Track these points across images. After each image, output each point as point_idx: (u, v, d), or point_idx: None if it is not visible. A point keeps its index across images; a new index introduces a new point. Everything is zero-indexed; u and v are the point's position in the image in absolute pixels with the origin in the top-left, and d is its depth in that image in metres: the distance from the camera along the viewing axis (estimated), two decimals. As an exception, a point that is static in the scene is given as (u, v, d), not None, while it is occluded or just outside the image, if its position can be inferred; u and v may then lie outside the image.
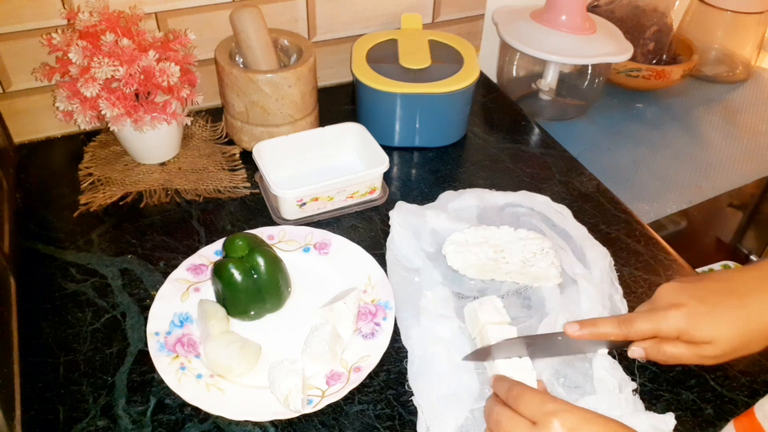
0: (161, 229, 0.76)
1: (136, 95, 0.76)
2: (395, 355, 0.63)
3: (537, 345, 0.57)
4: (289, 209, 0.76)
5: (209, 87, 0.89)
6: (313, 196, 0.75)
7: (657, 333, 0.52)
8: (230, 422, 0.57)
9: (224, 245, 0.64)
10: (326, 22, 0.96)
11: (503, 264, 0.68)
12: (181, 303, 0.66)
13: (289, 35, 0.88)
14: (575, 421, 0.44)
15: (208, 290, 0.67)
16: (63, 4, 0.80)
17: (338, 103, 0.98)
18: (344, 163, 0.84)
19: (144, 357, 0.61)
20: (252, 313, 0.65)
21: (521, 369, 0.56)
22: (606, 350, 0.58)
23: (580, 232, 0.75)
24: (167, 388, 0.58)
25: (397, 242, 0.72)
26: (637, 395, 0.59)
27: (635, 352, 0.54)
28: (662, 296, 0.53)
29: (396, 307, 0.66)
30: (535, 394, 0.47)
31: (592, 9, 1.16)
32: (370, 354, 0.61)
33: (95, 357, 0.62)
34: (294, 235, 0.74)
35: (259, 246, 0.64)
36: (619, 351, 0.62)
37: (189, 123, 0.82)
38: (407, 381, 0.60)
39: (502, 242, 0.70)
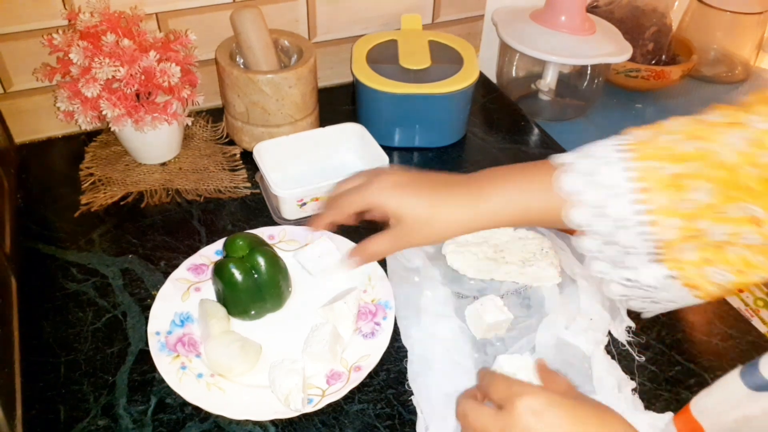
0: (162, 228, 0.76)
1: (137, 95, 0.76)
2: (395, 355, 0.63)
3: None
4: (289, 209, 0.76)
5: (210, 87, 0.89)
6: (314, 196, 0.75)
7: (365, 205, 0.55)
8: (231, 421, 0.57)
9: (225, 245, 0.64)
10: (326, 23, 0.96)
11: (503, 264, 0.68)
12: (181, 302, 0.66)
13: (290, 36, 0.88)
14: (539, 403, 0.43)
15: (209, 290, 0.67)
16: (64, 5, 0.80)
17: (338, 104, 0.99)
18: (344, 163, 0.84)
19: (145, 356, 0.61)
20: (252, 312, 0.65)
21: (524, 366, 0.56)
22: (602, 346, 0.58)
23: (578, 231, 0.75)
24: (168, 387, 0.58)
25: (397, 242, 0.72)
26: (636, 394, 0.59)
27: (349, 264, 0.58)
28: (375, 172, 0.57)
29: (396, 307, 0.66)
30: (503, 379, 0.47)
31: (592, 10, 1.16)
32: (370, 353, 0.61)
33: (96, 356, 0.62)
34: (294, 235, 0.74)
35: (260, 246, 0.64)
36: (618, 351, 0.63)
37: (190, 123, 0.82)
38: (407, 380, 0.60)
39: (501, 242, 0.70)
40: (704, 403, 0.43)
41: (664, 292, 0.49)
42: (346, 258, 0.58)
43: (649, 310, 0.52)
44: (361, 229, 0.64)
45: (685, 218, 0.45)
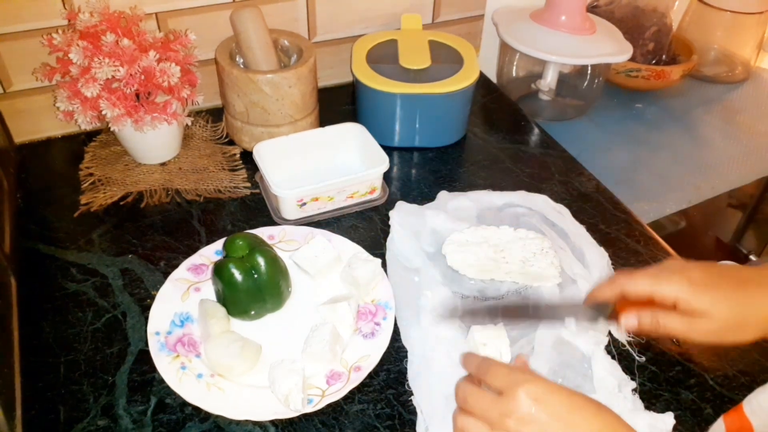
0: (162, 229, 0.76)
1: (137, 95, 0.76)
2: (395, 355, 0.63)
3: (510, 311, 0.57)
4: (289, 209, 0.76)
5: (210, 87, 0.89)
6: (314, 196, 0.75)
7: (654, 294, 0.52)
8: (231, 422, 0.57)
9: (225, 245, 0.64)
10: (326, 23, 0.96)
11: (503, 264, 0.68)
12: (181, 303, 0.66)
13: (290, 35, 0.88)
14: (540, 390, 0.44)
15: (209, 290, 0.67)
16: (63, 5, 0.80)
17: (338, 104, 0.99)
18: (344, 163, 0.84)
19: (144, 357, 0.61)
20: (252, 312, 0.65)
21: (496, 336, 0.56)
22: (574, 323, 0.58)
23: (579, 231, 0.75)
24: (168, 387, 0.58)
25: (397, 242, 0.73)
26: (637, 395, 0.59)
27: (629, 319, 0.54)
28: (668, 264, 0.53)
29: (396, 307, 0.66)
30: (502, 366, 0.48)
31: (592, 9, 1.16)
32: (370, 354, 0.61)
33: (96, 357, 0.62)
34: (294, 235, 0.74)
35: (260, 246, 0.64)
36: (618, 351, 0.63)
37: (189, 123, 0.82)
38: (407, 380, 0.60)
39: (501, 242, 0.70)
40: (757, 401, 0.43)
41: None
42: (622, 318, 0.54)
43: None
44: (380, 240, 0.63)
45: None
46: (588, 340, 0.62)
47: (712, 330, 0.51)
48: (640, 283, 0.52)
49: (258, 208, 0.80)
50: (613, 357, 0.62)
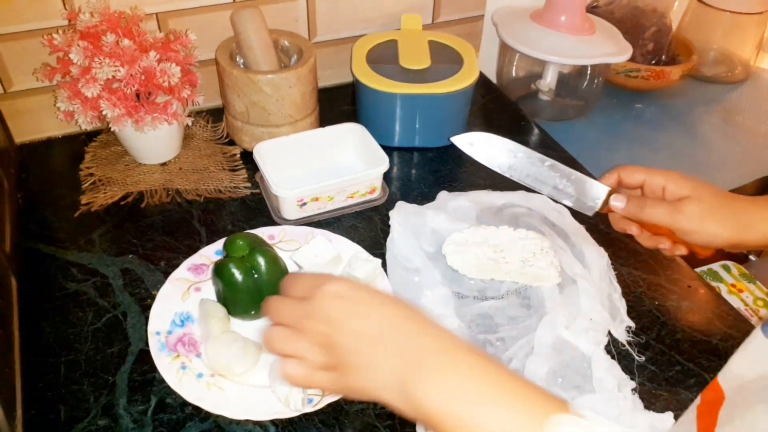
0: (162, 228, 0.76)
1: (137, 96, 0.76)
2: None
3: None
4: (289, 209, 0.76)
5: (210, 87, 0.89)
6: (314, 196, 0.75)
7: (646, 181, 0.59)
8: (231, 421, 0.57)
9: (225, 245, 0.64)
10: (326, 23, 0.96)
11: (503, 264, 0.68)
12: (181, 302, 0.66)
13: (290, 36, 0.88)
14: (342, 288, 0.43)
15: (209, 290, 0.67)
16: (64, 5, 0.80)
17: (338, 104, 0.99)
18: (344, 163, 0.84)
19: (145, 356, 0.61)
20: (253, 312, 0.65)
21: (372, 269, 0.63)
22: (570, 202, 0.62)
23: (578, 231, 0.75)
24: (168, 387, 0.58)
25: (397, 242, 0.73)
26: (636, 394, 0.59)
27: (618, 199, 0.59)
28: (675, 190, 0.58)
29: (396, 307, 0.66)
30: (308, 275, 0.47)
31: (592, 10, 1.16)
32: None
33: (96, 356, 0.62)
34: (294, 235, 0.74)
35: (260, 246, 0.64)
36: (618, 351, 0.63)
37: (190, 123, 0.82)
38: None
39: (501, 242, 0.70)
40: (728, 368, 0.44)
41: None
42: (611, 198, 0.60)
43: None
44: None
45: None
46: (588, 340, 0.62)
47: (694, 214, 0.54)
48: (636, 171, 0.59)
49: (258, 208, 0.80)
50: (612, 357, 0.62)
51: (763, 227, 0.53)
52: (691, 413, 0.46)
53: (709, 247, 0.57)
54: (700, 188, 0.56)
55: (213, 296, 0.66)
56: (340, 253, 0.70)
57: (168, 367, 0.60)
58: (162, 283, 0.67)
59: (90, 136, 0.89)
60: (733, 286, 1.05)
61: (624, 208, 0.59)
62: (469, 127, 0.95)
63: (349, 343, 0.42)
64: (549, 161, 0.60)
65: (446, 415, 0.38)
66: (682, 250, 0.61)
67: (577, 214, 0.78)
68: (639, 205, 0.59)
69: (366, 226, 0.78)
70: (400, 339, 0.41)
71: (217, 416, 0.57)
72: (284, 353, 0.45)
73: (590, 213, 0.62)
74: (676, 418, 0.56)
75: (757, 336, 0.40)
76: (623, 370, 0.61)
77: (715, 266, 1.10)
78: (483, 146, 0.59)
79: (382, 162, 0.78)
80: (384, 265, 0.71)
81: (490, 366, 0.40)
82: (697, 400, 0.48)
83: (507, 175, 0.60)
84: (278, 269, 0.65)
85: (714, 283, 1.05)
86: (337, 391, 0.47)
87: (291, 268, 0.68)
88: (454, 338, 0.42)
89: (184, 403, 0.58)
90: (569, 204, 0.62)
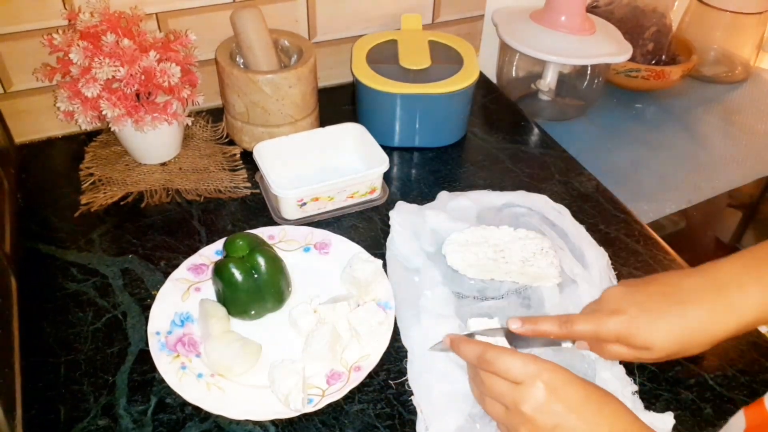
0: (162, 228, 0.76)
1: (137, 95, 0.76)
2: (395, 355, 0.63)
3: (514, 337, 0.57)
4: (289, 209, 0.76)
5: (210, 87, 0.89)
6: (314, 196, 0.75)
7: (597, 336, 0.53)
8: (231, 422, 0.57)
9: (225, 245, 0.64)
10: (326, 23, 0.96)
11: (503, 264, 0.68)
12: (181, 302, 0.66)
13: (290, 36, 0.88)
14: (558, 380, 0.45)
15: (209, 290, 0.67)
16: (64, 5, 0.80)
17: (338, 104, 0.99)
18: (344, 163, 0.84)
19: (145, 356, 0.61)
20: (252, 312, 0.65)
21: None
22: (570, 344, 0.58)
23: (578, 231, 0.75)
24: (168, 387, 0.58)
25: (397, 242, 0.73)
26: (637, 395, 0.59)
27: (581, 345, 0.56)
28: (606, 300, 0.54)
29: (396, 307, 0.66)
30: (515, 354, 0.48)
31: (592, 9, 1.16)
32: (370, 354, 0.61)
33: (96, 356, 0.62)
34: (294, 235, 0.74)
35: (260, 246, 0.64)
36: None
37: (190, 123, 0.82)
38: (407, 380, 0.60)
39: (501, 242, 0.70)
40: None
41: None
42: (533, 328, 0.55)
43: None
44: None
45: None
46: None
47: (659, 358, 0.52)
48: (582, 328, 0.53)
49: (258, 208, 0.80)
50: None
51: (713, 329, 0.50)
52: None
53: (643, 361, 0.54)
54: (658, 334, 0.51)
55: (213, 296, 0.66)
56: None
57: (168, 367, 0.60)
58: (162, 283, 0.67)
59: (90, 136, 0.89)
60: (733, 286, 1.05)
61: (589, 350, 0.56)
62: (469, 127, 0.95)
63: None
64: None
65: None
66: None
67: (577, 215, 0.78)
68: (600, 348, 0.55)
69: (366, 226, 0.78)
70: None
71: (217, 416, 0.57)
72: (497, 422, 0.50)
73: None
74: (676, 418, 0.56)
75: None
76: (623, 370, 0.61)
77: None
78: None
79: (382, 162, 0.78)
80: (384, 265, 0.71)
81: None
82: (741, 422, 0.48)
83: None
84: (278, 269, 0.65)
85: (714, 283, 1.05)
86: None
87: (291, 268, 0.68)
88: None
89: (184, 403, 0.58)
90: None
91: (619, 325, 0.51)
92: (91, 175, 0.83)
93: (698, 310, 0.50)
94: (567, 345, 0.57)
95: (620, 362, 0.61)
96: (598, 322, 0.52)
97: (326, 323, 0.62)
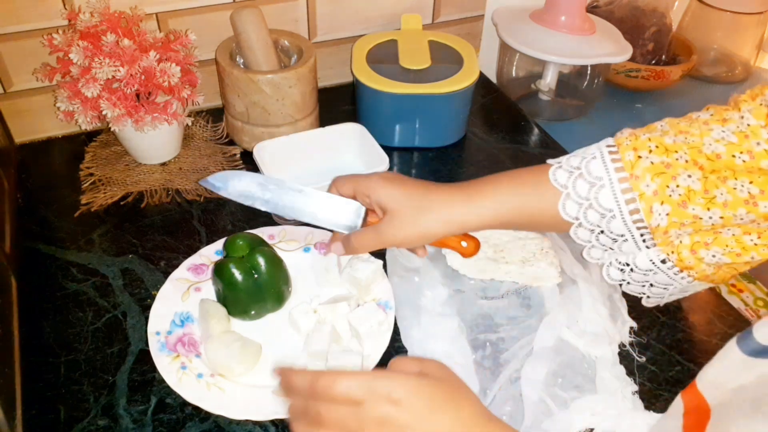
0: (162, 228, 0.76)
1: (137, 95, 0.76)
2: (395, 355, 0.63)
3: None
4: (289, 209, 0.76)
5: (210, 87, 0.89)
6: (314, 196, 0.75)
7: (356, 189, 0.56)
8: (231, 421, 0.57)
9: (225, 245, 0.64)
10: (326, 23, 0.96)
11: (503, 264, 0.68)
12: (181, 302, 0.66)
13: (290, 36, 0.88)
14: (401, 391, 0.41)
15: (209, 290, 0.67)
16: (64, 5, 0.80)
17: (338, 104, 0.99)
18: (344, 163, 0.84)
19: (145, 356, 0.61)
20: (252, 312, 0.65)
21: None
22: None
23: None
24: (168, 387, 0.58)
25: (397, 242, 0.72)
26: (637, 395, 0.59)
27: (335, 245, 0.58)
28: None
29: (396, 307, 0.66)
30: (351, 374, 0.43)
31: (592, 10, 1.16)
32: (370, 354, 0.61)
33: (96, 356, 0.62)
34: (294, 234, 0.74)
35: (260, 246, 0.64)
36: (618, 352, 0.63)
37: (190, 123, 0.82)
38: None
39: (501, 242, 0.70)
40: (707, 375, 0.44)
41: (660, 275, 0.52)
42: (328, 244, 0.59)
43: (651, 297, 0.55)
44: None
45: (675, 205, 0.48)
46: (588, 341, 0.62)
47: (390, 226, 0.54)
48: (346, 183, 0.57)
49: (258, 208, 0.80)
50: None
51: (458, 218, 0.54)
52: (676, 420, 0.46)
53: (427, 243, 0.57)
54: (397, 197, 0.54)
55: (213, 296, 0.66)
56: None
57: (168, 367, 0.60)
58: (162, 283, 0.67)
59: (90, 136, 0.89)
60: (733, 286, 1.05)
61: (342, 247, 0.57)
62: (469, 127, 0.95)
63: None
64: (303, 189, 0.58)
65: None
66: (422, 252, 0.59)
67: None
68: (345, 241, 0.57)
69: (366, 226, 0.78)
70: None
71: (217, 416, 0.57)
72: None
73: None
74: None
75: (731, 347, 0.40)
76: (623, 370, 0.61)
77: (715, 266, 1.10)
78: (234, 184, 0.57)
79: (382, 162, 0.78)
80: (384, 265, 0.71)
81: None
82: (680, 406, 0.48)
83: (264, 209, 0.58)
84: (278, 269, 0.65)
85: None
86: None
87: (291, 267, 0.68)
88: None
89: (184, 403, 0.58)
90: (330, 228, 0.58)
91: (374, 181, 0.55)
92: (91, 175, 0.83)
93: (435, 188, 0.55)
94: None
95: (620, 362, 0.61)
96: (358, 181, 0.56)
97: (326, 323, 0.62)
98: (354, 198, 0.57)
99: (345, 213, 0.57)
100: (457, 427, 0.42)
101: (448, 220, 0.54)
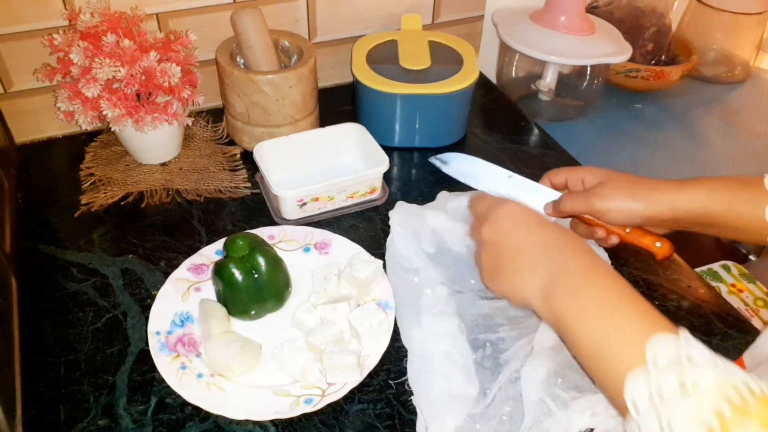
0: (162, 229, 0.76)
1: (138, 96, 0.76)
2: (395, 355, 0.63)
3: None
4: (289, 209, 0.76)
5: (210, 88, 0.89)
6: (314, 196, 0.75)
7: (568, 176, 0.64)
8: (231, 421, 0.57)
9: (225, 245, 0.64)
10: (326, 23, 0.96)
11: None
12: (181, 302, 0.66)
13: (290, 36, 0.88)
14: (515, 209, 0.55)
15: (209, 290, 0.67)
16: (64, 5, 0.80)
17: (338, 104, 0.99)
18: (344, 163, 0.84)
19: (145, 356, 0.61)
20: (252, 312, 0.65)
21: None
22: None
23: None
24: (168, 387, 0.58)
25: (396, 242, 0.73)
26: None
27: (547, 206, 0.64)
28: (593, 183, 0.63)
29: (396, 307, 0.66)
30: (484, 195, 0.62)
31: (591, 10, 1.16)
32: (370, 354, 0.61)
33: (96, 356, 0.62)
34: (294, 234, 0.74)
35: (260, 246, 0.64)
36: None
37: (190, 123, 0.82)
38: (407, 380, 0.60)
39: None
40: (754, 346, 0.49)
41: None
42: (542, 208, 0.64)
43: None
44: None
45: None
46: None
47: (606, 194, 0.59)
48: (559, 172, 0.64)
49: (258, 208, 0.80)
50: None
51: (669, 199, 0.58)
52: None
53: (627, 224, 0.61)
54: (612, 174, 0.61)
55: (213, 296, 0.66)
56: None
57: (168, 367, 0.60)
58: (162, 283, 0.67)
59: (90, 136, 0.89)
60: (733, 286, 1.05)
61: (552, 211, 0.63)
62: (469, 127, 0.95)
63: (511, 250, 0.53)
64: (512, 174, 0.67)
65: (575, 318, 0.47)
66: (614, 239, 0.63)
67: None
68: (560, 203, 0.62)
69: (366, 226, 0.78)
70: (554, 256, 0.51)
71: (217, 416, 0.57)
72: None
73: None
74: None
75: None
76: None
77: (715, 266, 1.10)
78: (457, 163, 0.69)
79: (382, 162, 0.78)
80: (384, 265, 0.71)
81: (623, 289, 0.47)
82: None
83: (475, 187, 0.68)
84: (278, 269, 0.65)
85: (714, 283, 1.05)
86: (493, 285, 0.56)
87: (291, 267, 0.68)
88: (598, 263, 0.50)
89: (184, 403, 0.58)
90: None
91: (587, 169, 0.63)
92: (92, 175, 0.83)
93: (653, 180, 0.60)
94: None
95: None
96: (573, 168, 0.64)
97: (334, 323, 0.62)
98: (565, 186, 0.64)
99: (545, 198, 0.64)
100: (553, 239, 0.53)
101: (658, 199, 0.58)
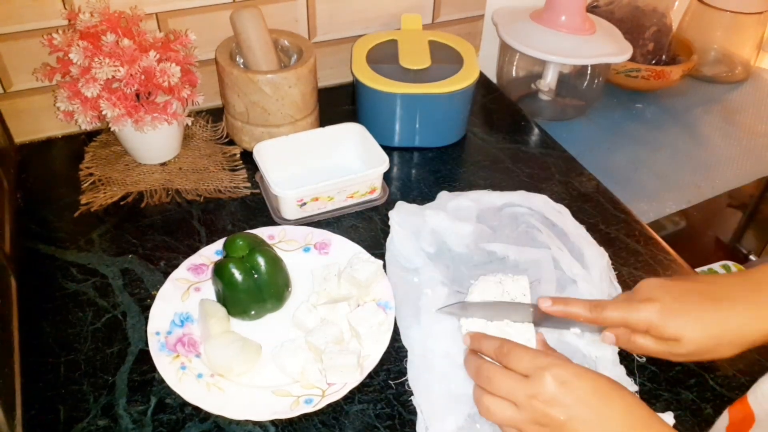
0: (162, 228, 0.76)
1: (137, 95, 0.76)
2: (395, 355, 0.63)
3: (514, 310, 0.58)
4: (289, 209, 0.76)
5: (210, 87, 0.89)
6: (314, 196, 0.75)
7: (626, 323, 0.53)
8: (230, 422, 0.57)
9: (225, 245, 0.64)
10: (326, 23, 0.96)
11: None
12: (181, 303, 0.66)
13: (290, 36, 0.88)
14: (567, 374, 0.46)
15: (209, 290, 0.67)
16: (64, 5, 0.80)
17: (338, 104, 0.99)
18: (344, 163, 0.84)
19: (145, 356, 0.61)
20: (252, 312, 0.65)
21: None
22: (578, 330, 0.59)
23: (578, 231, 0.75)
24: (168, 387, 0.58)
25: (396, 242, 0.73)
26: (637, 395, 0.59)
27: (607, 337, 0.56)
28: (641, 289, 0.54)
29: (396, 307, 0.66)
30: (526, 349, 0.49)
31: (592, 9, 1.16)
32: (370, 354, 0.61)
33: (96, 357, 0.62)
34: (294, 234, 0.74)
35: (260, 246, 0.64)
36: (618, 351, 0.63)
37: (189, 123, 0.82)
38: (407, 380, 0.60)
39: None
40: (761, 389, 0.44)
41: None
42: (598, 331, 0.56)
43: None
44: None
45: None
46: (588, 342, 0.62)
47: (688, 352, 0.51)
48: (612, 314, 0.53)
49: (258, 208, 0.80)
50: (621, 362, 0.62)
51: (740, 333, 0.49)
52: None
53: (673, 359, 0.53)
54: (689, 326, 0.51)
55: (213, 296, 0.66)
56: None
57: (168, 368, 0.60)
58: (162, 283, 0.67)
59: (90, 136, 0.89)
60: (733, 286, 1.05)
61: (615, 343, 0.56)
62: (469, 127, 0.95)
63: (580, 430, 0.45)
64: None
65: None
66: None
67: (577, 215, 0.78)
68: (628, 340, 0.55)
69: (366, 226, 0.78)
70: None
71: (217, 416, 0.57)
72: (502, 423, 0.48)
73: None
74: (676, 418, 0.56)
75: None
76: (623, 370, 0.61)
77: (716, 266, 1.10)
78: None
79: (382, 162, 0.78)
80: (384, 265, 0.71)
81: None
82: (725, 420, 0.48)
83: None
84: (278, 269, 0.65)
85: (714, 283, 1.05)
86: None
87: (291, 267, 0.68)
88: None
89: (184, 404, 0.58)
90: None
91: (651, 312, 0.51)
92: (91, 175, 0.83)
93: (733, 308, 0.50)
94: (575, 331, 0.57)
95: (621, 362, 0.61)
96: (630, 308, 0.52)
97: (334, 323, 0.62)
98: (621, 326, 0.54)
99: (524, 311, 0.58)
100: (624, 415, 0.45)
101: (743, 342, 0.50)
